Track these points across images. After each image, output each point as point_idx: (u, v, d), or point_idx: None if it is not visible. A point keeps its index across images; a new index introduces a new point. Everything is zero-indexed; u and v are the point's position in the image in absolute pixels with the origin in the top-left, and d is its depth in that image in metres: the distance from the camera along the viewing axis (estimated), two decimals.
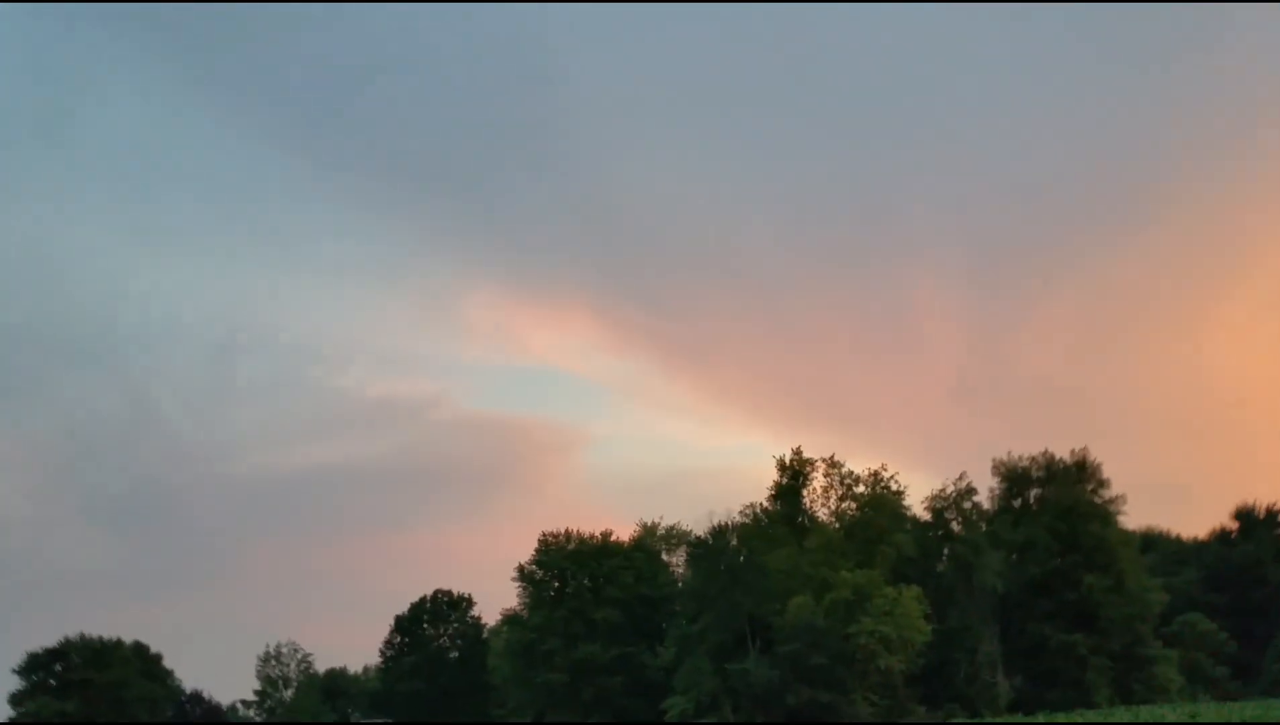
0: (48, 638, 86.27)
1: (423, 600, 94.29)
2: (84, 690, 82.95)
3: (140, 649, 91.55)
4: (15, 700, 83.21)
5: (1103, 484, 69.11)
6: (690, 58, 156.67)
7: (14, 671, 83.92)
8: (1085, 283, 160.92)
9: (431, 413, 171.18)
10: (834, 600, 58.91)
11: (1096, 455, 69.74)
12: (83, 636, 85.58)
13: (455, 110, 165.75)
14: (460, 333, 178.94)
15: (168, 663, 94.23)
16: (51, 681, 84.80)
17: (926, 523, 69.29)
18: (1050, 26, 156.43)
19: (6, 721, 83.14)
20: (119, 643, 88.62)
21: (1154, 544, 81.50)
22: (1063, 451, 70.42)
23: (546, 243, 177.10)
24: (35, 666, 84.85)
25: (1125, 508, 69.16)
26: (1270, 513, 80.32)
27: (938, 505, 69.06)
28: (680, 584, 73.94)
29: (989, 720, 55.22)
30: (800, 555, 62.44)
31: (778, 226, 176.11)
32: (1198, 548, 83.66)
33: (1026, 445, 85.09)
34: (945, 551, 67.59)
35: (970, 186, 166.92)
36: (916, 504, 69.54)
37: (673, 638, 65.79)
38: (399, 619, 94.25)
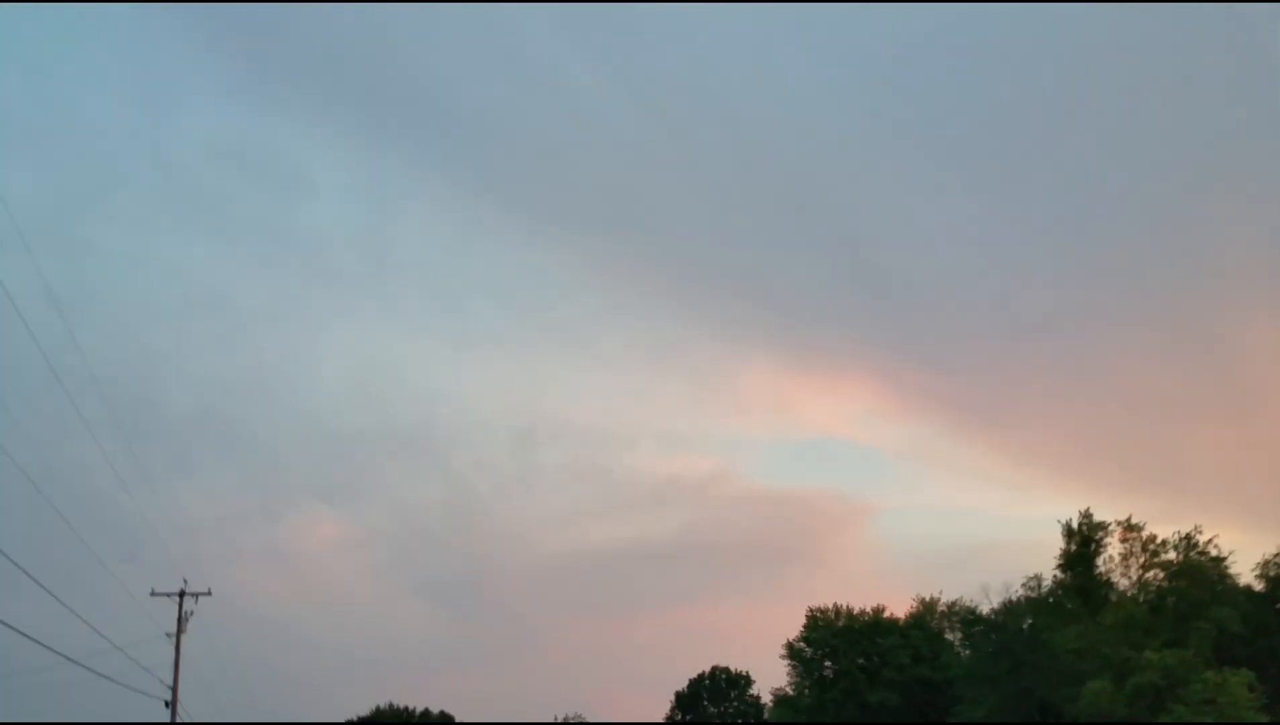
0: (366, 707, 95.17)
1: (701, 677, 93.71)
2: None
3: (445, 717, 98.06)
4: None
5: None
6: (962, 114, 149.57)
7: None
8: None
9: (714, 488, 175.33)
10: (1139, 685, 50.97)
11: None
12: (391, 705, 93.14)
13: (716, 197, 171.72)
14: (737, 408, 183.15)
15: None
16: None
17: (1258, 593, 58.90)
18: None
19: None
20: (425, 711, 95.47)
21: None
22: None
23: (816, 310, 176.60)
24: None
25: None
26: None
27: (1273, 572, 58.69)
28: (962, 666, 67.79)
29: None
30: (1095, 633, 54.95)
31: (1061, 268, 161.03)
32: None
33: None
34: None
35: None
36: (1246, 572, 59.53)
37: None
38: (679, 695, 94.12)
